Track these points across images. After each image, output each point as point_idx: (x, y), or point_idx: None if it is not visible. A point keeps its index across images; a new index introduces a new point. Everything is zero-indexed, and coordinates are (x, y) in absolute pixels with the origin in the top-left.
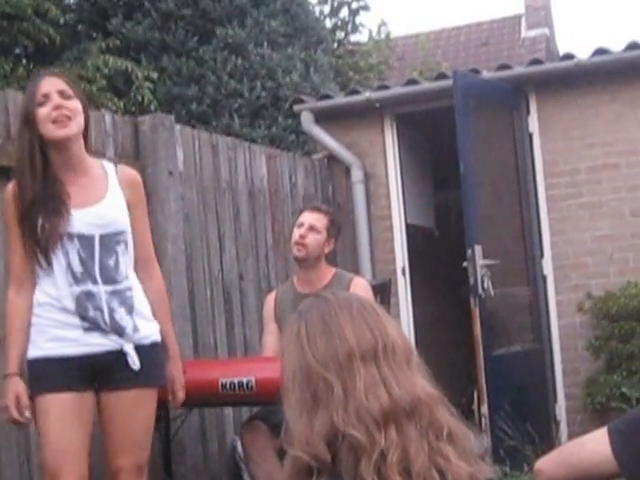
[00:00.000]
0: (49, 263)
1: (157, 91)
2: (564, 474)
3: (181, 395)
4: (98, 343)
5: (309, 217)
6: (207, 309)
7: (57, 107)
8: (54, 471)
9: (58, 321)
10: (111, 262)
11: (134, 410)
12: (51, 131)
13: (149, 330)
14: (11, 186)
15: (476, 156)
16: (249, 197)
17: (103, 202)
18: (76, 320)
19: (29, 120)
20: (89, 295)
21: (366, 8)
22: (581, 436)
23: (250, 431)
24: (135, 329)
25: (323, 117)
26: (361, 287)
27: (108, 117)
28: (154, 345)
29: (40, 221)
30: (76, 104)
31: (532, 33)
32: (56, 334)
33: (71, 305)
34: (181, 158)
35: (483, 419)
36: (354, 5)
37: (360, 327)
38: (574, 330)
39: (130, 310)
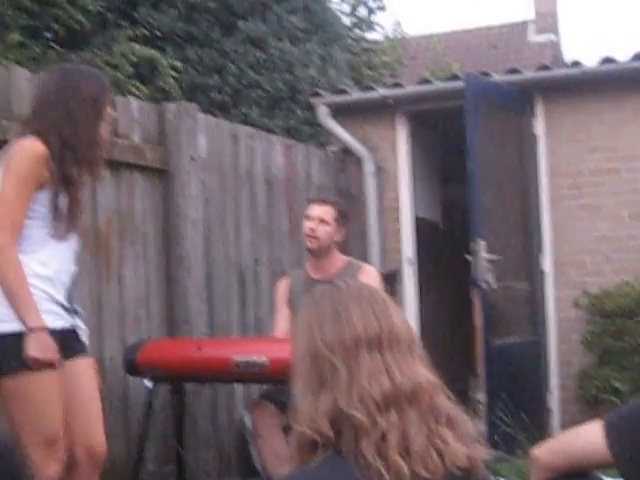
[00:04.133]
0: (64, 237)
1: (180, 79)
2: (560, 462)
3: None
4: (68, 319)
5: (317, 210)
6: (223, 290)
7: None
8: (53, 439)
9: (52, 297)
10: None
11: (93, 374)
12: (105, 133)
13: None
14: (44, 150)
15: (483, 155)
16: (266, 185)
17: None
18: (62, 298)
19: (99, 109)
20: (75, 276)
21: (382, 8)
22: (573, 425)
23: (259, 408)
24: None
25: (338, 111)
26: (370, 275)
27: (135, 103)
28: None
29: (67, 202)
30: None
31: (539, 38)
32: (48, 307)
33: (67, 281)
34: (203, 145)
35: (480, 405)
36: (371, 4)
37: (368, 316)
38: (570, 325)
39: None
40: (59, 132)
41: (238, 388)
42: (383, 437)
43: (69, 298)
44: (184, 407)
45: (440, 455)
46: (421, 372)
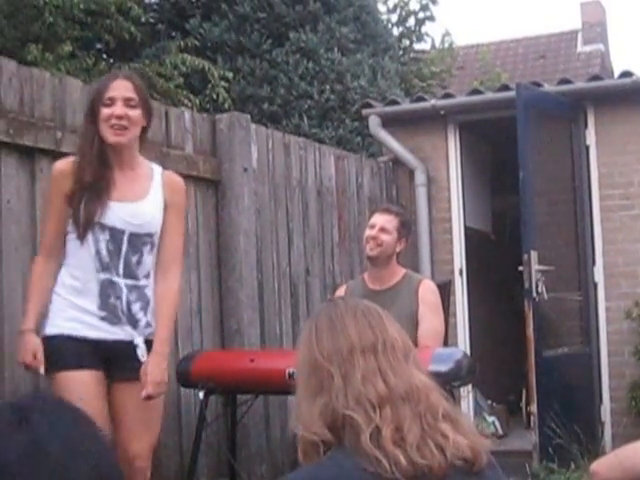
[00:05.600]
0: (82, 243)
1: (231, 90)
2: (619, 476)
3: (150, 389)
4: (111, 331)
5: (380, 219)
6: (275, 301)
7: (118, 116)
8: None
9: (77, 305)
10: (134, 259)
11: (144, 401)
12: (106, 134)
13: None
14: (64, 164)
15: (535, 165)
16: (317, 195)
17: (143, 201)
18: (94, 308)
19: (93, 114)
20: (112, 283)
21: (432, 18)
22: (625, 437)
23: None
24: (148, 324)
25: (389, 121)
26: (429, 289)
27: (188, 114)
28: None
29: (83, 202)
30: (137, 113)
31: (588, 48)
32: (75, 315)
33: (95, 289)
34: (255, 156)
35: (532, 417)
36: (420, 15)
37: (363, 326)
38: (621, 336)
39: (146, 306)
40: (79, 145)
41: (291, 400)
42: (378, 430)
43: (106, 306)
44: (237, 419)
45: (441, 449)
46: (416, 375)
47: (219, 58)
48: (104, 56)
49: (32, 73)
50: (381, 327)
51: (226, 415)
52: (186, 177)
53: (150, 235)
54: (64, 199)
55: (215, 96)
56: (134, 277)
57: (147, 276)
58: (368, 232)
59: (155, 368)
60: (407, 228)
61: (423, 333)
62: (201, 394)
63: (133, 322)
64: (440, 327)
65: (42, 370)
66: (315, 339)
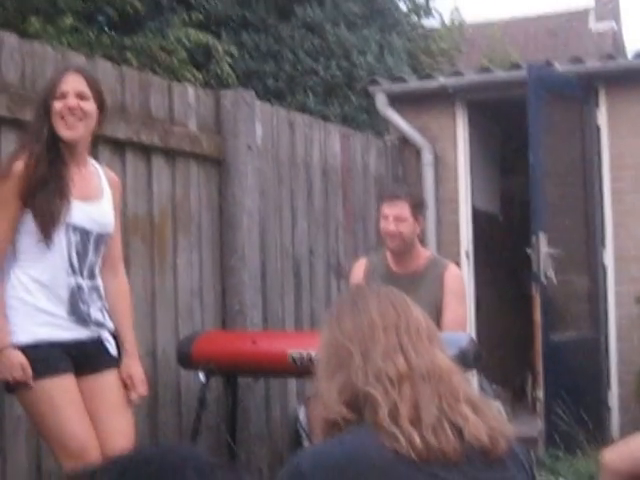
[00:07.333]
0: (49, 246)
1: (235, 65)
2: (629, 466)
3: (142, 390)
4: (81, 330)
5: (392, 209)
6: (277, 281)
7: (71, 108)
8: (81, 450)
9: (46, 310)
10: (94, 259)
11: (118, 388)
12: (59, 128)
13: (111, 322)
14: (13, 164)
15: (545, 146)
16: (322, 174)
17: (101, 201)
18: (63, 312)
19: (45, 108)
20: (80, 288)
21: None
22: (634, 424)
23: (314, 403)
24: (108, 320)
25: (396, 99)
26: (455, 276)
27: (191, 90)
28: (114, 334)
29: (46, 201)
30: (90, 106)
31: (600, 26)
32: (46, 320)
33: (65, 295)
34: (260, 133)
35: (538, 403)
36: None
37: (385, 305)
38: (631, 321)
39: (103, 305)
40: (25, 143)
41: (292, 382)
42: (395, 407)
43: (75, 310)
44: (237, 401)
45: (459, 432)
46: (440, 356)
47: (223, 33)
48: (106, 29)
49: (34, 47)
50: (405, 308)
51: (226, 397)
52: (189, 155)
53: (109, 235)
54: (20, 200)
55: (219, 71)
56: (93, 277)
57: (99, 275)
58: (384, 225)
59: (138, 369)
60: (420, 206)
61: (447, 323)
62: (202, 376)
63: (97, 321)
64: (465, 316)
65: (31, 383)
66: (336, 320)
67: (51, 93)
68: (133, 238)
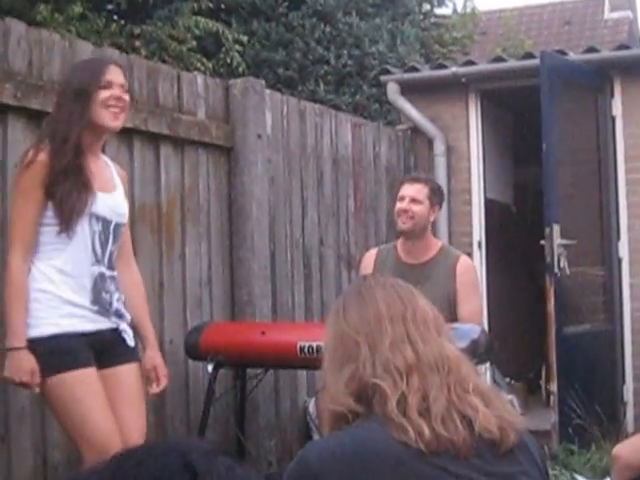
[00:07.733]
0: (70, 236)
1: (245, 54)
2: None
3: (165, 381)
4: (103, 321)
5: (410, 189)
6: (287, 272)
7: (118, 98)
8: (104, 442)
9: (71, 301)
10: (113, 249)
11: (136, 381)
12: (104, 117)
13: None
14: (37, 153)
15: (559, 136)
16: (333, 164)
17: (117, 192)
18: (87, 303)
19: (85, 96)
20: (102, 277)
21: None
22: None
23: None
24: (125, 312)
25: (408, 89)
26: (468, 267)
27: (200, 79)
28: (131, 325)
29: (73, 192)
30: (129, 99)
31: (615, 15)
32: (70, 311)
33: (89, 284)
34: (269, 122)
35: (551, 396)
36: None
37: (392, 297)
38: None
39: (120, 295)
40: (51, 131)
41: (302, 374)
42: (404, 398)
43: (98, 299)
44: (246, 393)
45: (468, 423)
46: (448, 347)
47: (233, 21)
48: (115, 17)
49: (41, 35)
50: (411, 298)
51: (235, 389)
52: (198, 143)
53: (124, 225)
54: (44, 190)
55: (229, 60)
56: (112, 268)
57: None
58: (399, 205)
59: (162, 361)
60: (439, 195)
61: (465, 315)
62: (210, 367)
63: (117, 312)
64: (480, 307)
65: (37, 389)
66: (342, 311)
67: (95, 82)
68: (141, 228)
